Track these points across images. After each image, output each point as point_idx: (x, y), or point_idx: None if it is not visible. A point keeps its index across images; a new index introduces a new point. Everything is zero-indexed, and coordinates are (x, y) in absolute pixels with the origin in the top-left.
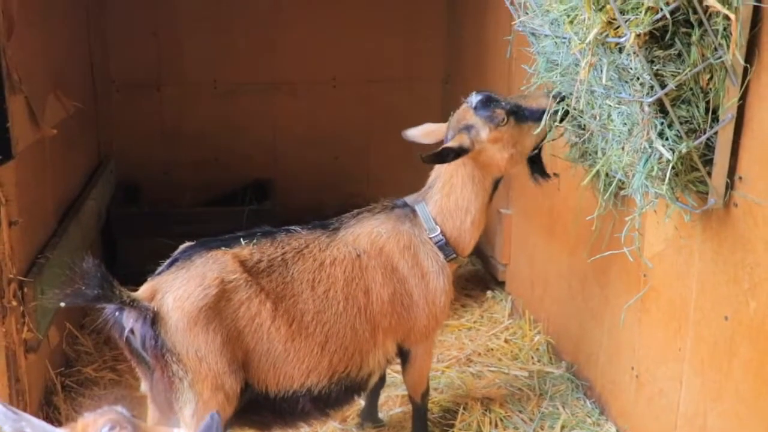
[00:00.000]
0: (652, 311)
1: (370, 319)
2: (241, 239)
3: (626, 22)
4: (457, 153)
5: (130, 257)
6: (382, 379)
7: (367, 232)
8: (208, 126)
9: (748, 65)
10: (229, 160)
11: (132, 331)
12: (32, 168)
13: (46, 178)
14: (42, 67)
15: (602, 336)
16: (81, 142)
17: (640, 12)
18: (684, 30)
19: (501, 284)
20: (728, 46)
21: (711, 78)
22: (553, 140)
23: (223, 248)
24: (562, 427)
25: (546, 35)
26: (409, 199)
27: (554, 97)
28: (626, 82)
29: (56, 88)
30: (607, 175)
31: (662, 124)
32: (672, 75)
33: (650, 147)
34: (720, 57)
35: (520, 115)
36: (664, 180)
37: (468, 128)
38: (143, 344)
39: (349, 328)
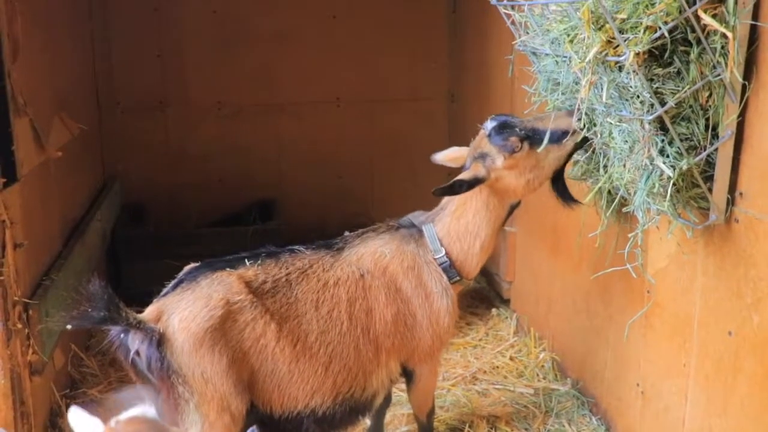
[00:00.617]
0: (656, 327)
1: (374, 340)
2: (246, 260)
3: (625, 41)
4: (471, 184)
5: (135, 278)
6: (388, 399)
7: (371, 252)
8: (213, 147)
9: (746, 82)
10: (233, 180)
11: (138, 352)
12: (37, 190)
13: (52, 200)
14: (47, 89)
15: (607, 352)
16: (86, 164)
17: (639, 31)
18: (683, 48)
19: (506, 302)
20: (726, 64)
21: (710, 95)
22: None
23: (228, 269)
24: None
25: (547, 54)
26: (417, 218)
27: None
28: (626, 100)
29: (61, 110)
30: (609, 192)
31: (663, 141)
32: (671, 93)
33: (651, 164)
34: (718, 74)
35: (537, 139)
36: (665, 196)
37: (483, 156)
38: (149, 366)
39: (352, 349)
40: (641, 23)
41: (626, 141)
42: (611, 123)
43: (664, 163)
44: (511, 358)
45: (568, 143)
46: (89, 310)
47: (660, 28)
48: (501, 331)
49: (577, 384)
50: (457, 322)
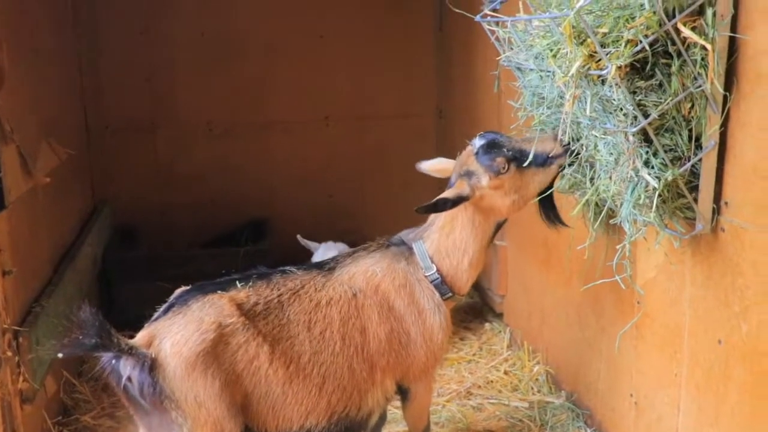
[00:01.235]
0: (647, 337)
1: (368, 359)
2: (238, 282)
3: (607, 54)
4: (455, 202)
5: (127, 301)
6: (383, 417)
7: (363, 271)
8: (203, 167)
9: (727, 93)
10: (224, 200)
11: (130, 378)
12: (26, 217)
13: (41, 227)
14: (34, 115)
15: (600, 364)
16: (75, 188)
17: (621, 45)
18: (664, 61)
19: (499, 316)
20: (707, 76)
21: (692, 106)
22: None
23: (220, 292)
24: None
25: (531, 69)
26: (407, 235)
27: (558, 140)
28: (610, 113)
29: (49, 135)
30: (596, 204)
31: (647, 152)
32: (654, 105)
33: (636, 176)
34: (700, 86)
35: (523, 161)
36: (651, 207)
37: (469, 174)
38: (141, 391)
39: (346, 368)
40: (622, 37)
41: (611, 153)
42: (596, 136)
43: (649, 174)
44: (505, 372)
45: (554, 166)
46: (80, 337)
47: (641, 42)
48: (495, 345)
49: (572, 396)
50: (451, 338)
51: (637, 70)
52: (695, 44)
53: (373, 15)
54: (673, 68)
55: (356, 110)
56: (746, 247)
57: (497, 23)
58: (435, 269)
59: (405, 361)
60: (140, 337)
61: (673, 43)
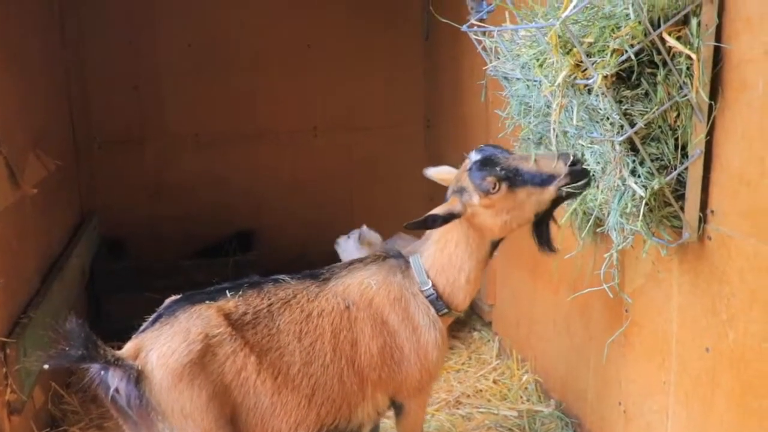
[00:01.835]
0: (635, 345)
1: (359, 372)
2: (227, 291)
3: (593, 64)
4: (446, 219)
5: (115, 312)
6: (375, 430)
7: (357, 283)
8: (191, 178)
9: (712, 102)
10: (213, 211)
11: (117, 390)
12: (13, 228)
13: (28, 238)
14: (21, 126)
15: (589, 372)
16: (63, 200)
17: (606, 54)
18: (649, 70)
19: (488, 324)
20: (692, 85)
21: (678, 115)
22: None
23: (208, 302)
24: None
25: (518, 79)
26: (404, 247)
27: (564, 159)
28: (597, 122)
29: (36, 146)
30: (584, 213)
31: (634, 161)
32: (640, 114)
33: (623, 184)
34: (685, 95)
35: (516, 180)
36: (638, 216)
37: (461, 191)
38: (128, 403)
39: (336, 380)
40: (608, 46)
41: (598, 162)
42: (583, 145)
43: (636, 183)
44: (494, 381)
45: (551, 187)
46: (67, 348)
47: (626, 51)
48: (483, 354)
49: (561, 405)
50: (447, 354)
51: (623, 79)
52: (680, 53)
53: (361, 25)
54: (659, 77)
55: (344, 120)
56: (733, 255)
57: (484, 33)
58: (430, 284)
59: (397, 376)
60: (127, 349)
61: (659, 53)
